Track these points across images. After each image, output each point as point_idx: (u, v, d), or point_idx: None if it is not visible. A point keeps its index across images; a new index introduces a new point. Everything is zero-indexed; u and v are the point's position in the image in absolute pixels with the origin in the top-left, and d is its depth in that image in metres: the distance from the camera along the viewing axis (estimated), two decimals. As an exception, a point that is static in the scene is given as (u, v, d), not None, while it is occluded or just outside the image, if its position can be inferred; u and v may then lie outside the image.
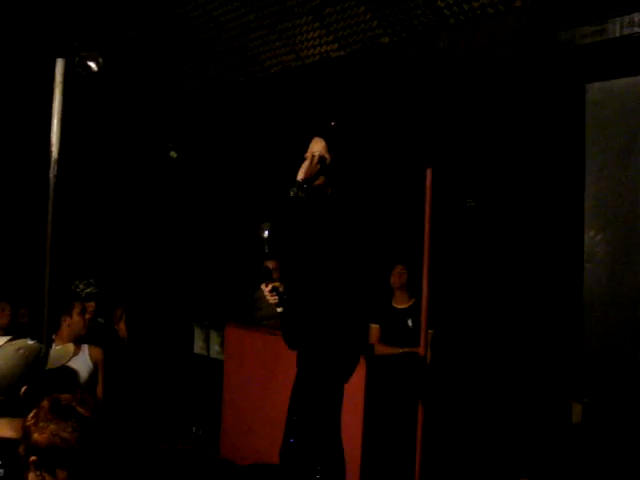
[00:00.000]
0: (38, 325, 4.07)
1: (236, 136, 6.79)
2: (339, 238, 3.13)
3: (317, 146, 3.21)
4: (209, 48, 6.08)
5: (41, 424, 1.82)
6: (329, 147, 3.20)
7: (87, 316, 5.28)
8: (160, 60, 6.61)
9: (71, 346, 3.60)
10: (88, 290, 5.56)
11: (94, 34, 6.01)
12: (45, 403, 1.89)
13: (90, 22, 6.16)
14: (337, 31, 5.14)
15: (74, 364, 4.63)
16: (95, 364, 4.82)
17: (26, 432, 1.85)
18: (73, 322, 4.72)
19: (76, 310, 4.74)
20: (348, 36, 5.11)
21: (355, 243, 3.20)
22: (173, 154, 6.97)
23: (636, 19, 3.65)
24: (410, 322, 5.28)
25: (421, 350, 4.43)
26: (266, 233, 3.17)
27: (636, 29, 3.66)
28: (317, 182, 3.18)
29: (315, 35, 5.28)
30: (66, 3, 6.04)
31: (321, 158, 3.18)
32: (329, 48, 5.30)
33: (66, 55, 4.69)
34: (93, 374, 4.77)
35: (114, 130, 7.06)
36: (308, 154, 3.22)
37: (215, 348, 6.17)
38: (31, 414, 1.88)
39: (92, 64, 5.40)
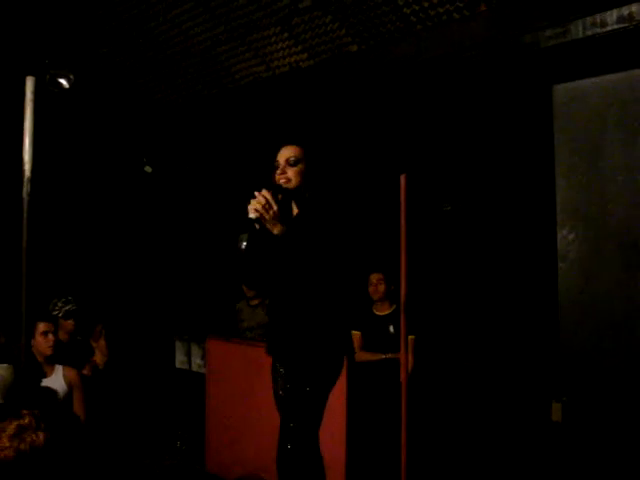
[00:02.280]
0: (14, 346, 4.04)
1: (210, 148, 6.79)
2: (321, 241, 3.08)
3: (290, 152, 3.20)
4: (180, 61, 6.08)
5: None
6: (299, 152, 3.20)
7: (62, 335, 5.26)
8: (131, 75, 6.60)
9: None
10: (67, 308, 5.53)
11: (64, 51, 5.99)
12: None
13: (60, 39, 6.15)
14: (306, 41, 5.16)
15: (48, 385, 4.62)
16: (69, 385, 4.78)
17: None
18: (36, 343, 4.68)
19: (38, 330, 4.70)
20: (317, 45, 5.13)
21: (337, 245, 3.16)
22: (148, 168, 6.95)
23: (598, 20, 3.69)
24: (391, 328, 5.29)
25: (402, 356, 4.43)
26: (244, 245, 3.17)
27: (598, 30, 3.70)
28: (295, 183, 3.17)
29: (284, 45, 5.30)
30: (35, 20, 6.03)
31: (294, 161, 3.17)
32: (299, 58, 5.32)
33: (36, 73, 4.67)
34: (68, 395, 4.73)
35: (88, 146, 7.03)
36: (281, 161, 3.20)
37: (197, 362, 6.14)
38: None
39: (63, 81, 5.39)
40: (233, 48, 5.62)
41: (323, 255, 3.07)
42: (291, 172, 3.17)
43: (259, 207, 2.92)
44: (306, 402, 3.17)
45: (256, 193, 2.95)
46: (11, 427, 1.96)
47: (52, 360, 4.74)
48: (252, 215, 2.94)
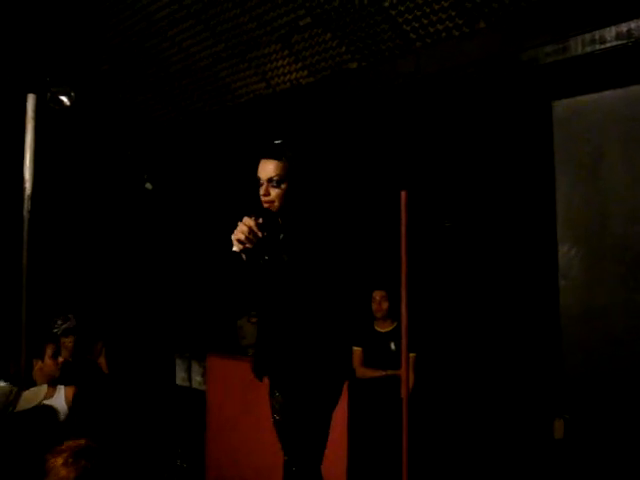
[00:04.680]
0: (13, 365, 4.02)
1: (210, 165, 6.80)
2: (310, 261, 2.94)
3: (272, 170, 2.96)
4: (180, 79, 6.11)
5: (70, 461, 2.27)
6: (282, 170, 2.96)
7: (64, 353, 5.25)
8: (132, 92, 6.62)
9: (44, 388, 3.56)
10: (65, 325, 5.52)
11: (65, 68, 6.02)
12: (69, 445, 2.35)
13: (61, 56, 6.18)
14: (306, 58, 5.17)
15: (50, 404, 4.61)
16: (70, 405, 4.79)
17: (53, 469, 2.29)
18: (45, 365, 4.67)
19: (48, 353, 4.69)
20: (317, 63, 5.15)
21: (327, 264, 3.02)
22: (148, 186, 6.96)
23: (597, 37, 3.70)
24: (393, 345, 5.27)
25: (403, 373, 4.41)
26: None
27: (597, 46, 3.71)
28: (279, 206, 2.98)
29: (284, 63, 5.32)
30: (36, 38, 6.06)
31: (277, 181, 2.96)
32: (299, 75, 5.33)
33: (37, 90, 4.69)
34: (68, 415, 4.72)
35: (88, 163, 7.04)
36: (263, 178, 2.98)
37: (197, 379, 6.13)
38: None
39: (64, 98, 5.42)
40: (233, 65, 5.63)
41: (313, 275, 2.94)
42: (274, 193, 2.96)
43: (242, 237, 2.76)
44: (305, 428, 3.06)
45: (239, 223, 2.79)
46: (75, 444, 2.27)
47: (55, 381, 4.74)
48: (235, 248, 2.79)
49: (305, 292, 2.99)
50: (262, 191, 2.98)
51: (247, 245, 2.76)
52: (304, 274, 2.93)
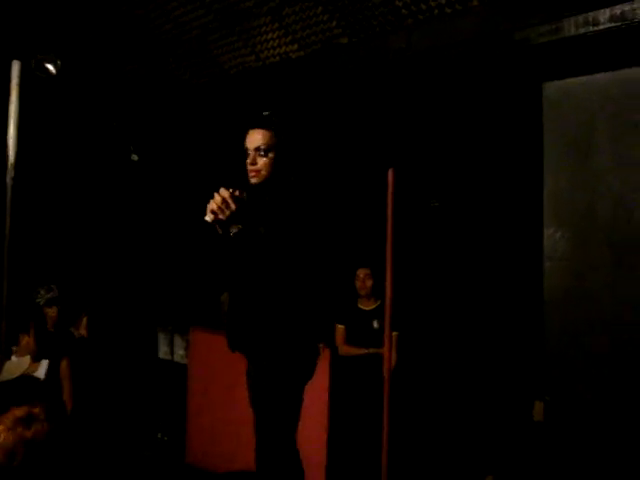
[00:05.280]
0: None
1: (198, 138, 6.74)
2: (295, 223, 2.95)
3: (260, 139, 3.00)
4: (169, 49, 6.03)
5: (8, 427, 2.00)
6: (270, 139, 2.99)
7: (48, 323, 5.25)
8: (120, 61, 6.53)
9: (27, 359, 3.56)
10: (49, 296, 5.49)
11: (52, 36, 5.93)
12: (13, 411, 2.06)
13: (48, 24, 6.08)
14: (296, 32, 5.11)
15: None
16: (61, 377, 4.82)
17: None
18: (31, 341, 4.70)
19: (33, 331, 4.73)
20: (307, 37, 5.09)
21: (312, 228, 3.03)
22: (134, 157, 6.89)
23: (591, 18, 3.67)
24: (376, 323, 5.28)
25: (385, 351, 4.42)
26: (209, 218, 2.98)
27: (591, 28, 3.67)
28: (266, 175, 3.01)
29: (274, 36, 5.25)
30: (22, 4, 5.96)
31: (265, 149, 2.98)
32: (289, 49, 5.28)
33: (22, 57, 4.61)
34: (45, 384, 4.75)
35: (73, 132, 6.96)
36: (250, 148, 3.01)
37: (179, 352, 6.11)
38: None
39: (50, 66, 5.33)
40: (223, 37, 5.56)
41: (289, 249, 2.93)
42: (261, 162, 3.00)
43: (215, 207, 2.74)
44: (277, 399, 3.06)
45: (215, 193, 2.77)
46: (20, 411, 2.03)
47: (38, 355, 4.75)
48: (207, 218, 2.77)
49: (279, 266, 2.97)
50: (249, 160, 3.00)
51: (220, 216, 2.75)
52: (280, 248, 2.92)
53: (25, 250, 5.56)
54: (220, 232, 2.83)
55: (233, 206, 2.75)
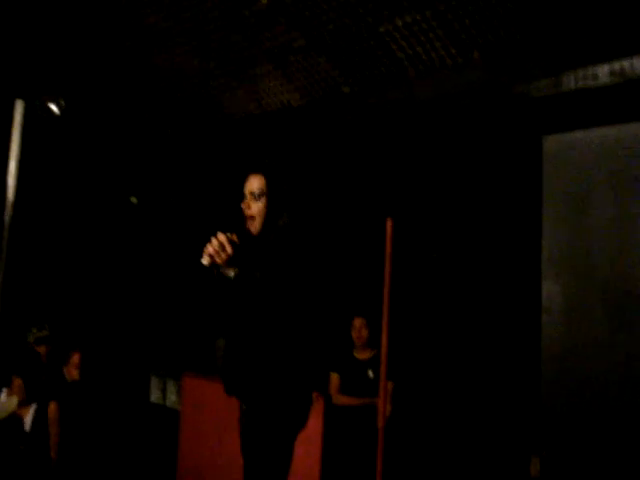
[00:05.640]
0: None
1: (198, 182, 6.76)
2: (290, 270, 2.95)
3: (254, 183, 3.05)
4: (172, 93, 6.07)
5: None
6: (264, 184, 3.03)
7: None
8: (123, 104, 6.58)
9: (14, 400, 3.51)
10: (40, 334, 5.44)
11: (56, 77, 5.99)
12: None
13: (53, 65, 6.15)
14: (299, 80, 5.17)
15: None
16: (49, 421, 4.75)
17: None
18: (22, 384, 4.66)
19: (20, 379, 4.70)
20: (309, 85, 5.14)
21: (307, 275, 3.03)
22: (134, 199, 6.90)
23: (590, 73, 3.71)
24: (371, 373, 5.21)
25: (380, 402, 4.36)
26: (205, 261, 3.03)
27: (590, 82, 3.71)
28: (262, 220, 3.04)
29: (277, 83, 5.31)
30: (29, 45, 6.03)
31: (259, 194, 3.02)
32: (291, 96, 5.32)
33: (26, 97, 4.65)
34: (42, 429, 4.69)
35: (74, 173, 6.98)
36: (246, 192, 3.06)
37: (172, 398, 6.04)
38: None
39: (53, 107, 5.38)
40: (226, 83, 5.61)
41: (283, 296, 2.94)
42: (255, 207, 3.03)
43: (212, 251, 2.75)
44: (268, 447, 3.00)
45: (212, 237, 2.79)
46: None
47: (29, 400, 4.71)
48: (204, 261, 2.78)
49: (274, 312, 2.97)
50: (244, 204, 3.04)
51: (217, 260, 2.76)
52: (275, 293, 2.92)
53: (21, 289, 5.54)
54: (216, 275, 2.83)
55: (229, 250, 2.76)
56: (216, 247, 2.76)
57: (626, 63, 3.54)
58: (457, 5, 4.05)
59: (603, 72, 3.65)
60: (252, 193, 3.03)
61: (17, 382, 4.66)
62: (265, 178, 3.04)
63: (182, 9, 5.10)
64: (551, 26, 3.84)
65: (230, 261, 2.78)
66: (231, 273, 2.81)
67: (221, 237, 2.78)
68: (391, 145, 5.14)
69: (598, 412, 3.68)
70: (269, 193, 3.04)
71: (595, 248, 3.72)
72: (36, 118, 5.37)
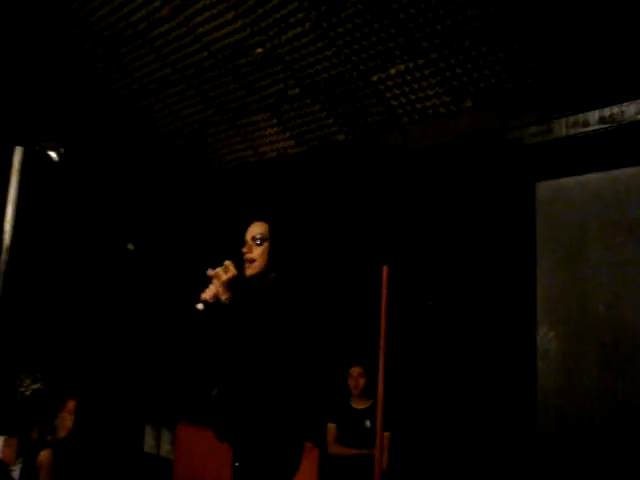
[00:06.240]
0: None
1: (194, 230, 6.76)
2: (282, 322, 2.99)
3: (257, 229, 3.12)
4: (169, 141, 6.13)
5: None
6: (266, 230, 3.11)
7: None
8: (120, 151, 6.63)
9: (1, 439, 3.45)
10: (35, 386, 5.36)
11: (55, 124, 6.05)
12: None
13: (52, 112, 6.22)
14: (294, 128, 5.21)
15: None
16: (39, 468, 4.66)
17: None
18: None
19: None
20: (305, 133, 5.18)
21: (298, 327, 3.08)
22: (130, 246, 6.91)
23: (581, 119, 3.73)
24: (368, 423, 5.13)
25: (376, 452, 4.29)
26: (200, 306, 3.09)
27: (581, 129, 3.73)
28: (260, 266, 3.08)
29: (273, 131, 5.35)
30: (29, 93, 6.10)
31: (260, 240, 3.08)
32: (286, 144, 5.36)
33: (25, 143, 4.68)
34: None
35: (69, 219, 6.99)
36: (247, 238, 3.12)
37: (166, 447, 5.96)
38: None
39: (52, 154, 5.41)
40: (222, 131, 5.67)
41: (274, 344, 2.98)
42: (256, 252, 3.08)
43: (207, 297, 2.86)
44: None
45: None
46: None
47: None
48: (199, 306, 2.87)
49: (266, 360, 2.99)
50: (245, 248, 3.09)
51: (220, 279, 2.86)
52: (266, 340, 2.96)
53: (15, 336, 5.50)
54: (201, 309, 2.88)
55: (234, 271, 2.89)
56: (213, 292, 2.85)
57: (616, 109, 3.56)
58: (449, 53, 4.09)
59: (594, 118, 3.67)
60: (254, 238, 3.09)
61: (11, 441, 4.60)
62: (268, 225, 3.12)
63: (179, 58, 5.18)
64: (542, 73, 3.88)
65: (231, 284, 2.87)
66: (224, 296, 2.87)
67: (229, 264, 2.91)
68: (386, 192, 5.14)
69: (594, 457, 3.62)
70: (271, 239, 3.10)
71: (589, 293, 3.70)
72: (34, 164, 5.41)
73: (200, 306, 2.85)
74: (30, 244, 5.63)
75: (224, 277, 2.87)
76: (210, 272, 2.89)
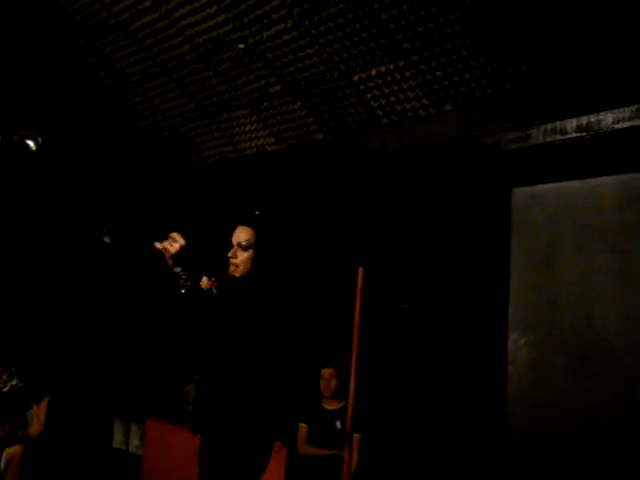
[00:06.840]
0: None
1: (171, 224, 6.70)
2: (259, 321, 3.12)
3: (243, 235, 3.21)
4: (148, 135, 6.09)
5: None
6: (252, 236, 3.20)
7: None
8: (99, 143, 6.58)
9: None
10: (13, 383, 5.29)
11: (32, 113, 5.99)
12: None
13: (31, 102, 6.16)
14: (274, 125, 5.19)
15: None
16: (8, 461, 4.65)
17: None
18: None
19: None
20: (284, 131, 5.17)
21: (275, 327, 3.21)
22: (107, 239, 6.84)
23: (558, 127, 3.74)
24: (339, 424, 5.12)
25: (345, 453, 4.28)
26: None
27: (558, 137, 3.74)
28: (244, 269, 3.18)
29: (252, 128, 5.34)
30: (6, 82, 6.04)
31: (246, 246, 3.17)
32: (266, 141, 5.35)
33: (3, 131, 4.63)
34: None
35: (45, 209, 6.92)
36: (234, 242, 3.21)
37: (135, 442, 5.91)
38: None
39: (31, 143, 5.37)
40: (202, 126, 5.64)
41: (252, 342, 3.09)
42: (241, 257, 3.18)
43: (161, 246, 3.02)
44: None
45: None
46: None
47: None
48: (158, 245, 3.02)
49: (240, 359, 3.12)
50: (230, 253, 3.20)
51: (167, 252, 3.02)
52: (246, 340, 3.09)
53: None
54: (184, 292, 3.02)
55: (182, 241, 3.03)
56: (166, 244, 3.03)
57: (593, 118, 3.57)
58: (430, 57, 4.09)
59: (571, 126, 3.68)
60: (239, 244, 3.19)
61: None
62: (254, 232, 3.22)
63: (161, 51, 5.14)
64: (521, 79, 3.88)
65: (177, 258, 3.01)
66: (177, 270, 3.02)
67: (172, 234, 3.07)
68: (364, 193, 5.14)
69: (564, 466, 3.63)
70: (256, 247, 3.20)
71: (560, 301, 3.71)
72: (11, 153, 5.35)
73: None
74: (3, 235, 5.57)
75: (172, 249, 3.00)
76: (157, 245, 3.03)
